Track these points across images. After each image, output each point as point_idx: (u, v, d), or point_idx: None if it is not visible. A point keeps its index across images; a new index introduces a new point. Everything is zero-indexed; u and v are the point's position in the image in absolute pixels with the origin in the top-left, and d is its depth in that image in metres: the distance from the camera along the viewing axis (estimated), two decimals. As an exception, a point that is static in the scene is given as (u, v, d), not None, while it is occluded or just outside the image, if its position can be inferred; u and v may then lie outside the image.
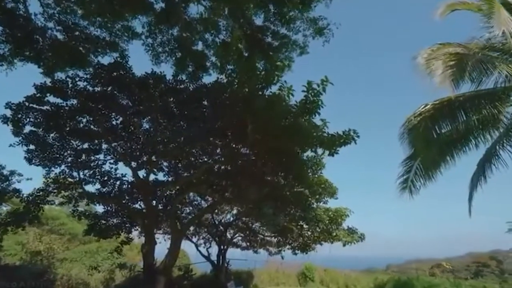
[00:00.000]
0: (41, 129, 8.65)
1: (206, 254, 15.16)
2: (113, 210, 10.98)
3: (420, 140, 6.67)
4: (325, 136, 5.70)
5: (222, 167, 10.20)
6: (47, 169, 9.36)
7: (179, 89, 9.01)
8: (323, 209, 8.94)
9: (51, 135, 8.93)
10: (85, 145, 9.72)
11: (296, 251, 12.82)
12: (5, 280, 10.08)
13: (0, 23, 6.85)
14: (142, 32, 8.58)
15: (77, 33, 8.00)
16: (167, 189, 10.90)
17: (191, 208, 13.56)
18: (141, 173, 10.17)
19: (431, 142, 6.65)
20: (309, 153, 7.66)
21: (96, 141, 9.78)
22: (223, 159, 8.89)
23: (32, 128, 8.56)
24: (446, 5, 8.50)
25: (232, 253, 16.86)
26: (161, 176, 11.37)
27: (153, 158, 10.25)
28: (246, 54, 7.95)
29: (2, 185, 9.04)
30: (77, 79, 8.45)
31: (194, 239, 15.79)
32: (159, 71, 8.87)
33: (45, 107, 8.44)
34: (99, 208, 12.40)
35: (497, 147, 7.34)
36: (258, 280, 18.26)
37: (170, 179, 11.27)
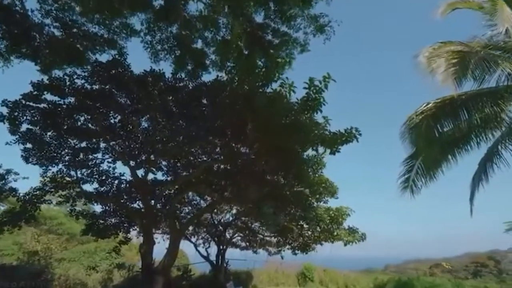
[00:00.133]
0: (38, 128, 8.54)
1: (205, 254, 15.08)
2: (111, 209, 10.87)
3: (422, 139, 6.61)
4: (327, 134, 5.61)
5: (222, 166, 10.13)
6: (44, 168, 9.26)
7: (178, 87, 8.91)
8: (324, 209, 8.87)
9: (48, 133, 8.81)
10: (83, 144, 9.61)
11: (296, 251, 12.75)
12: (2, 280, 9.96)
13: (-4, 19, 6.73)
14: (141, 30, 8.48)
15: (74, 30, 7.88)
16: (166, 188, 10.80)
17: (190, 207, 13.47)
18: (140, 172, 10.09)
19: (433, 141, 6.59)
20: (309, 152, 7.59)
21: (94, 140, 9.67)
22: (222, 157, 8.80)
23: (29, 126, 8.45)
24: (447, 4, 8.45)
25: (231, 253, 16.80)
26: (160, 176, 11.30)
27: (152, 157, 10.15)
28: (246, 52, 7.86)
29: (-2, 184, 8.91)
30: (74, 77, 8.34)
31: (193, 239, 15.72)
32: (158, 69, 8.74)
33: (42, 105, 8.32)
34: (97, 208, 12.30)
35: (499, 146, 7.30)
36: (257, 280, 18.18)
37: (169, 178, 11.17)
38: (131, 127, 9.73)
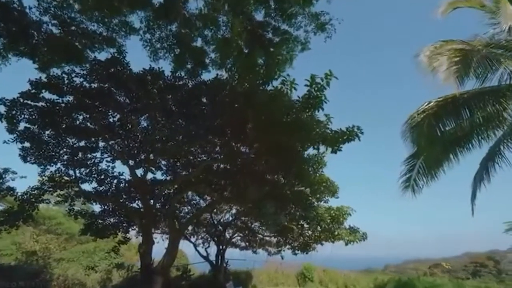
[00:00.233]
0: (36, 126, 8.47)
1: (204, 254, 15.02)
2: (110, 209, 10.80)
3: (423, 138, 6.55)
4: (328, 132, 5.55)
5: (221, 165, 10.07)
6: (42, 167, 9.18)
7: (177, 86, 8.85)
8: (325, 208, 8.82)
9: (47, 132, 8.75)
10: (82, 143, 9.55)
11: (296, 251, 12.69)
12: (0, 280, 9.88)
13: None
14: (140, 27, 8.40)
15: (73, 28, 7.81)
16: (165, 188, 10.74)
17: (189, 207, 13.40)
18: (139, 172, 10.03)
19: (435, 140, 6.54)
20: (310, 151, 7.53)
21: (93, 139, 9.61)
22: (222, 157, 8.74)
23: (27, 125, 8.37)
24: (448, 3, 8.41)
25: (231, 253, 16.74)
26: (159, 175, 11.24)
27: (151, 156, 10.09)
28: (246, 51, 7.79)
29: (-4, 183, 8.82)
30: (73, 75, 8.28)
31: (193, 239, 15.64)
32: (157, 67, 8.69)
33: (40, 104, 8.25)
34: (96, 208, 12.23)
35: (501, 145, 7.24)
36: (257, 280, 18.12)
37: (168, 178, 11.11)
38: (130, 126, 9.66)
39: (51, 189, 9.44)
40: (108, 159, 10.18)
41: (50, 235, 18.09)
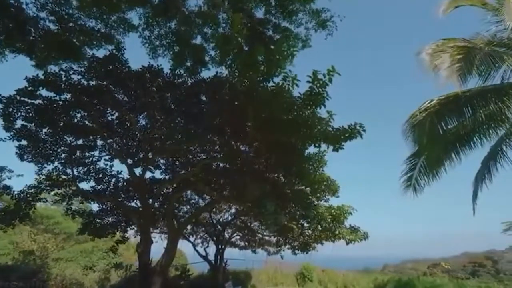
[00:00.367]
0: (33, 124, 8.35)
1: (203, 253, 14.97)
2: (108, 208, 10.70)
3: (425, 136, 6.47)
4: (330, 130, 5.47)
5: (221, 164, 9.98)
6: (39, 165, 9.06)
7: (177, 83, 8.75)
8: (325, 207, 8.76)
9: (44, 130, 8.63)
10: (80, 141, 9.44)
11: (296, 251, 12.61)
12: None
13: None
14: (139, 24, 8.30)
15: (71, 24, 7.69)
16: (163, 187, 10.64)
17: (188, 207, 13.33)
18: (137, 171, 9.92)
19: (437, 139, 6.46)
20: (311, 150, 7.45)
21: (91, 137, 9.50)
22: (222, 155, 8.65)
23: (24, 123, 8.25)
24: (449, 1, 8.34)
25: (230, 252, 16.68)
26: (158, 174, 11.15)
27: (150, 155, 10.00)
28: (246, 48, 7.71)
29: (-9, 181, 8.70)
30: (70, 72, 8.16)
31: (192, 239, 15.58)
32: (156, 64, 8.59)
33: (37, 101, 8.13)
34: (94, 207, 12.13)
35: (503, 144, 7.19)
36: (256, 280, 18.06)
37: (167, 177, 11.02)
38: (128, 125, 9.56)
39: (48, 188, 9.32)
40: (106, 157, 10.10)
41: (48, 235, 17.99)
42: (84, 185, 10.04)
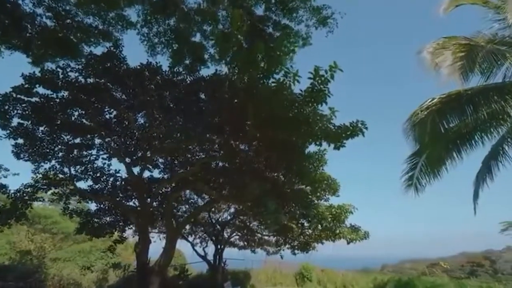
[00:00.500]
0: (29, 122, 8.22)
1: (202, 253, 14.87)
2: (106, 207, 10.59)
3: (427, 135, 6.42)
4: (331, 128, 5.39)
5: (220, 163, 9.89)
6: (36, 164, 8.94)
7: (175, 81, 8.65)
8: (325, 207, 8.69)
9: (41, 128, 8.50)
10: (77, 140, 9.33)
11: (296, 251, 12.54)
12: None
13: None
14: (137, 21, 8.21)
15: (68, 21, 7.59)
16: (162, 186, 10.54)
17: (187, 206, 13.23)
18: (136, 170, 9.81)
19: (438, 137, 6.41)
20: (311, 148, 7.37)
21: (89, 136, 9.39)
22: (222, 152, 8.55)
23: (20, 121, 8.13)
24: (450, 0, 8.28)
25: (229, 252, 16.59)
26: (156, 173, 11.05)
27: (148, 154, 9.90)
28: (246, 46, 7.63)
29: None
30: (68, 70, 8.04)
31: (190, 238, 15.47)
32: (154, 62, 8.49)
33: (34, 99, 8.01)
34: (92, 206, 12.02)
35: (504, 143, 7.15)
36: (255, 280, 17.98)
37: (165, 176, 10.92)
38: (127, 123, 9.46)
39: (45, 187, 9.19)
40: (104, 156, 9.98)
41: (45, 234, 17.86)
42: (82, 184, 9.96)
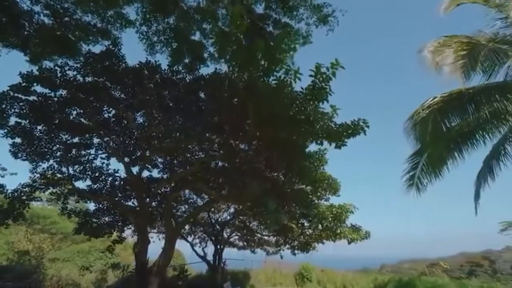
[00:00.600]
0: (27, 121, 8.14)
1: (202, 253, 14.81)
2: (105, 207, 10.50)
3: (428, 134, 6.37)
4: (332, 126, 5.32)
5: (220, 163, 9.83)
6: (34, 163, 8.85)
7: (175, 80, 8.58)
8: (326, 206, 8.63)
9: (39, 127, 8.41)
10: (75, 139, 9.24)
11: (296, 251, 12.47)
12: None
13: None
14: (136, 20, 8.13)
15: (66, 18, 7.51)
16: (161, 186, 10.47)
17: (186, 206, 13.16)
18: (135, 169, 9.73)
19: (440, 136, 6.37)
20: (312, 147, 7.30)
21: (87, 135, 9.30)
22: (221, 152, 8.48)
23: (18, 120, 8.05)
24: (451, -1, 8.23)
25: (229, 252, 16.53)
26: (155, 173, 10.97)
27: (147, 153, 9.82)
28: (246, 44, 7.56)
29: (-16, 180, 8.51)
30: (66, 68, 7.94)
31: (190, 238, 15.41)
32: (154, 60, 8.42)
33: (31, 98, 7.92)
34: (90, 206, 11.94)
35: (506, 143, 7.10)
36: (255, 281, 17.92)
37: (164, 176, 10.85)
38: (125, 122, 9.38)
39: (43, 186, 9.10)
40: (103, 156, 9.89)
41: (44, 235, 17.77)
42: (80, 184, 9.86)
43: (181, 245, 15.75)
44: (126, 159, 9.54)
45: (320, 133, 5.35)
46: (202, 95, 8.71)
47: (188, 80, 8.63)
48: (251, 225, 14.31)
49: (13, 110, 7.79)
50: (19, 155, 8.52)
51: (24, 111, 7.90)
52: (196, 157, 9.94)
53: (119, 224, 10.81)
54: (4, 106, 7.61)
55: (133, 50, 10.21)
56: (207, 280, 14.80)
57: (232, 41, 7.30)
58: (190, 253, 15.43)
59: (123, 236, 11.04)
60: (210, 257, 14.75)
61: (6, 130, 8.02)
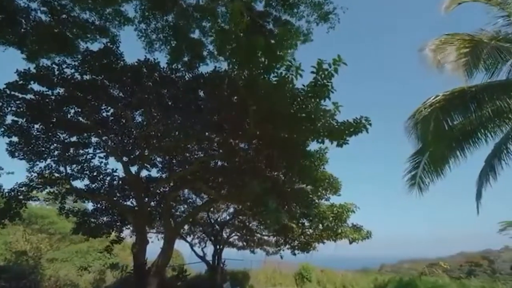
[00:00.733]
0: (24, 120, 8.04)
1: (201, 254, 14.73)
2: (103, 207, 10.40)
3: (430, 133, 6.29)
4: (334, 124, 5.24)
5: (219, 162, 9.75)
6: (31, 163, 8.74)
7: (174, 79, 8.49)
8: (327, 206, 8.56)
9: (36, 126, 8.31)
10: (73, 138, 9.14)
11: (296, 251, 12.39)
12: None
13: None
14: (135, 17, 8.06)
15: (64, 16, 7.42)
16: (160, 185, 10.38)
17: (185, 206, 13.08)
18: (133, 169, 9.63)
19: (442, 135, 6.29)
20: (312, 146, 7.22)
21: (85, 134, 9.20)
22: (221, 151, 8.40)
23: (15, 118, 7.94)
24: (452, -3, 8.17)
25: (228, 253, 16.45)
26: (154, 173, 10.88)
27: (146, 152, 9.72)
28: (246, 41, 7.47)
29: (-19, 179, 8.40)
30: (64, 66, 7.84)
31: (189, 239, 15.32)
32: (152, 58, 8.33)
33: (28, 96, 7.82)
34: (88, 206, 11.82)
35: (508, 142, 7.04)
36: (254, 281, 17.85)
37: (163, 175, 10.76)
38: (124, 121, 9.29)
39: (40, 186, 8.99)
40: (101, 155, 9.79)
41: (42, 235, 17.65)
42: (78, 184, 9.74)
43: (180, 245, 15.68)
44: (125, 158, 9.44)
45: (321, 131, 5.27)
46: (201, 93, 8.62)
47: (187, 79, 8.53)
48: (250, 225, 14.23)
49: (9, 109, 7.69)
50: (16, 154, 8.41)
51: (21, 109, 7.80)
52: (196, 156, 9.86)
53: (118, 224, 10.70)
54: (0, 104, 7.51)
55: (132, 48, 10.12)
56: (207, 281, 14.72)
57: (232, 39, 7.23)
58: (189, 253, 15.35)
59: (121, 236, 10.93)
60: (209, 257, 14.68)
61: (2, 129, 7.93)
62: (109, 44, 7.84)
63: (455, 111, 6.34)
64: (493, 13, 7.21)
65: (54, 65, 7.77)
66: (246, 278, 17.61)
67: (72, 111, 8.71)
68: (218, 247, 14.81)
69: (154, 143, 9.29)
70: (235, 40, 6.43)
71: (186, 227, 14.28)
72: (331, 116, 5.09)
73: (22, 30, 7.15)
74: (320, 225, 7.95)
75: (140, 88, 8.45)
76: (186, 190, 11.92)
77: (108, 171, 9.94)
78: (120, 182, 10.14)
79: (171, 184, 10.37)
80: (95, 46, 8.03)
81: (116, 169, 10.03)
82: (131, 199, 10.44)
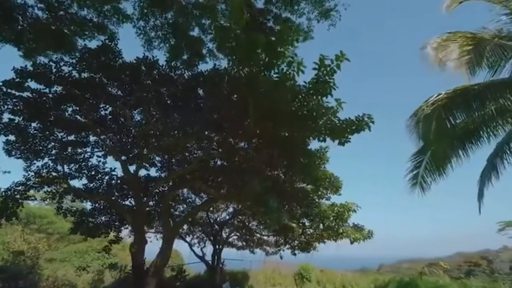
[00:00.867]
0: (21, 118, 7.94)
1: (200, 254, 14.62)
2: (101, 207, 10.30)
3: (432, 132, 6.22)
4: (336, 122, 5.15)
5: (219, 161, 9.66)
6: (28, 162, 8.64)
7: (173, 77, 8.40)
8: (328, 205, 8.48)
9: (33, 124, 8.22)
10: (71, 137, 9.05)
11: (296, 251, 12.30)
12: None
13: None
14: (133, 14, 7.96)
15: (61, 12, 7.32)
16: (159, 185, 10.28)
17: (184, 205, 12.99)
18: (132, 168, 9.53)
19: (444, 133, 6.22)
20: (313, 145, 7.14)
21: (83, 133, 9.12)
22: (220, 150, 8.31)
23: (11, 116, 7.84)
24: (453, -4, 8.10)
25: (228, 253, 16.35)
26: (153, 172, 10.79)
27: (145, 151, 9.62)
28: (246, 38, 7.39)
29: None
30: (61, 64, 7.75)
31: (188, 238, 15.22)
32: (151, 56, 8.23)
33: (25, 94, 7.72)
34: (87, 205, 11.72)
35: (511, 140, 6.98)
36: (254, 281, 17.77)
37: (162, 174, 10.67)
38: (122, 120, 9.19)
39: (37, 185, 8.90)
40: (99, 154, 9.71)
41: (40, 234, 17.54)
42: (76, 183, 9.67)
43: (179, 245, 15.60)
44: (123, 158, 9.35)
45: (323, 129, 5.18)
46: (200, 92, 8.53)
47: (186, 77, 8.44)
48: (250, 224, 14.15)
49: (6, 107, 7.60)
50: (13, 152, 8.32)
51: (18, 107, 7.70)
52: (195, 155, 9.77)
53: (116, 223, 10.61)
54: (-4, 102, 7.40)
55: (130, 45, 10.00)
56: (206, 281, 14.64)
57: (232, 36, 7.14)
58: (188, 253, 15.25)
59: (120, 236, 10.84)
60: (208, 257, 14.58)
61: (-1, 127, 7.81)
62: (107, 41, 7.74)
63: (457, 110, 6.26)
64: (496, 10, 7.15)
65: (51, 63, 7.68)
66: (246, 278, 17.54)
67: (70, 109, 8.62)
68: (217, 247, 14.72)
69: (153, 142, 9.20)
70: (235, 37, 6.35)
71: (185, 226, 14.18)
72: (333, 114, 5.00)
73: (19, 27, 7.05)
74: (321, 224, 7.87)
75: (139, 86, 8.36)
76: (185, 190, 11.83)
77: (106, 170, 9.86)
78: (119, 181, 10.06)
79: (170, 183, 10.28)
80: (93, 44, 7.95)
81: (115, 168, 9.97)
82: (129, 199, 10.36)
